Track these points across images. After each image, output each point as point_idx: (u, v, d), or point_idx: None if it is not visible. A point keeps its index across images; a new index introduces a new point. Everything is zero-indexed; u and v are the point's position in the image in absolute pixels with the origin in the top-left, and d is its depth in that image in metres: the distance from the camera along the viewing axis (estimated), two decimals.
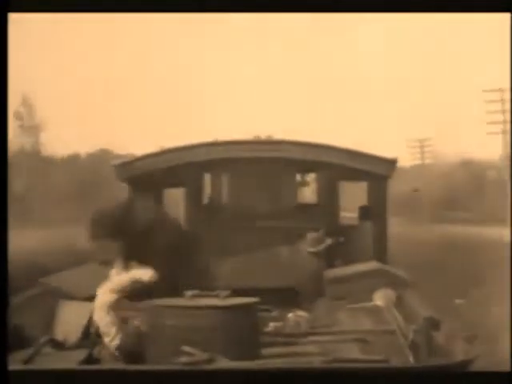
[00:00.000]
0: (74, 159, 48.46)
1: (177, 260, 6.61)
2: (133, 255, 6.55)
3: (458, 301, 11.97)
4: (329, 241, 7.83)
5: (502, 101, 46.14)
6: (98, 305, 5.91)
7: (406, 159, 56.75)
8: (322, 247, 7.80)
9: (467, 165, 50.79)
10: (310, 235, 7.93)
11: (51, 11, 5.45)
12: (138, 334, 5.68)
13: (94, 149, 48.87)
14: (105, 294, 5.93)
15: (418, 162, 58.83)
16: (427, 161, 58.63)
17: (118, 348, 5.74)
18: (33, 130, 47.49)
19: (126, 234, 6.56)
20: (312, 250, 7.77)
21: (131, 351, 5.63)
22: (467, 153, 53.22)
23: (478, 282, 13.12)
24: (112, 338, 5.79)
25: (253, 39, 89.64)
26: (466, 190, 46.57)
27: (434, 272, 14.16)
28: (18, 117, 46.58)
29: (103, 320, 5.87)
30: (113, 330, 5.81)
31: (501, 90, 45.28)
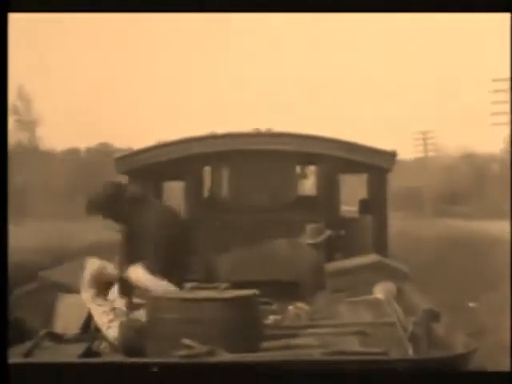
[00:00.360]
0: (72, 154, 48.49)
1: (176, 253, 6.65)
2: (131, 248, 6.61)
3: (471, 304, 11.57)
4: (328, 232, 7.88)
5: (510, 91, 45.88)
6: (84, 300, 6.06)
7: (409, 152, 56.75)
8: (321, 238, 7.85)
9: (470, 157, 50.73)
10: (310, 227, 7.98)
11: (51, 11, 5.49)
12: (138, 327, 5.74)
13: (93, 143, 48.97)
14: (85, 292, 6.09)
15: (420, 154, 58.69)
16: (430, 153, 58.47)
17: (117, 339, 5.81)
18: (30, 124, 47.59)
19: (120, 208, 6.58)
20: (311, 241, 7.82)
21: (131, 343, 5.69)
22: (471, 145, 53.21)
23: (489, 283, 12.64)
24: (107, 327, 5.88)
25: (253, 38, 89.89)
26: (468, 183, 46.49)
27: (441, 271, 13.76)
28: (15, 111, 46.66)
29: (95, 312, 6.01)
30: (106, 320, 5.91)
31: (508, 80, 45.00)
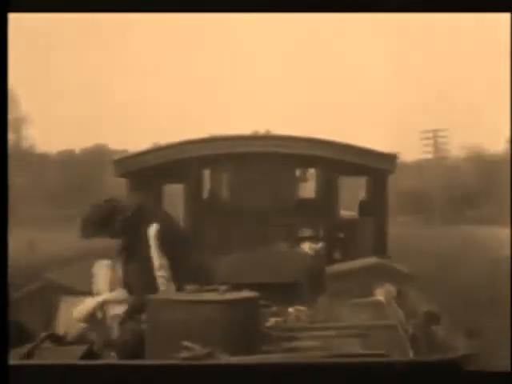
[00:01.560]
0: (66, 155, 48.45)
1: (176, 256, 6.86)
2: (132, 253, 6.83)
3: None
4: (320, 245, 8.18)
5: None
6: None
7: (418, 152, 56.53)
8: (317, 248, 8.16)
9: (482, 157, 50.54)
10: (305, 232, 8.25)
11: (51, 11, 5.69)
12: (136, 332, 5.95)
13: (88, 145, 48.98)
14: (71, 326, 6.37)
15: (429, 155, 58.34)
16: (440, 153, 58.08)
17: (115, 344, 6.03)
18: (16, 123, 47.57)
19: (117, 229, 6.75)
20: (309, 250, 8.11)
21: (129, 349, 5.90)
22: (481, 144, 52.85)
23: None
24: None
25: (252, 40, 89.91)
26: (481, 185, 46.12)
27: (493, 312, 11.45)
28: None
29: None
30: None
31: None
